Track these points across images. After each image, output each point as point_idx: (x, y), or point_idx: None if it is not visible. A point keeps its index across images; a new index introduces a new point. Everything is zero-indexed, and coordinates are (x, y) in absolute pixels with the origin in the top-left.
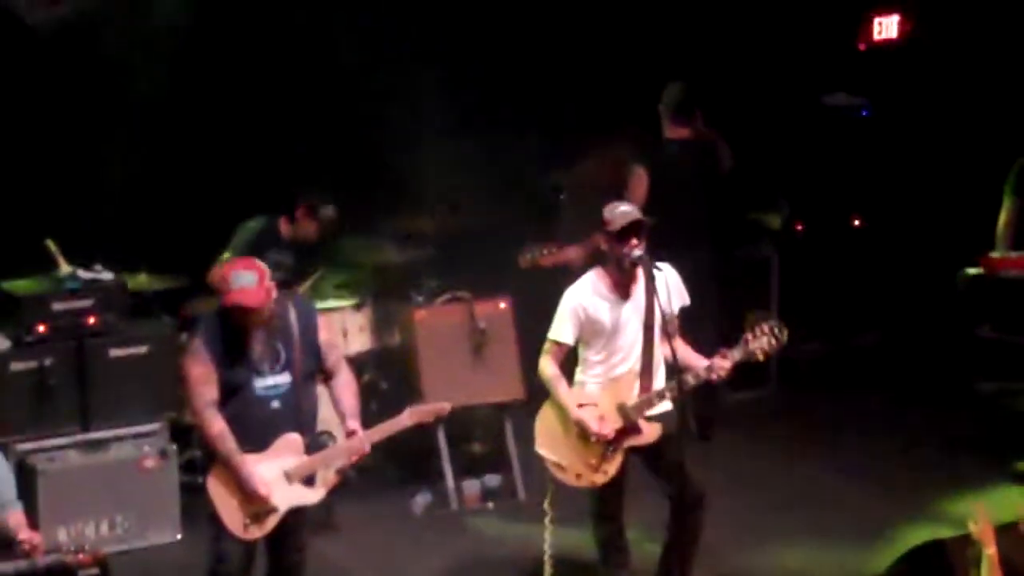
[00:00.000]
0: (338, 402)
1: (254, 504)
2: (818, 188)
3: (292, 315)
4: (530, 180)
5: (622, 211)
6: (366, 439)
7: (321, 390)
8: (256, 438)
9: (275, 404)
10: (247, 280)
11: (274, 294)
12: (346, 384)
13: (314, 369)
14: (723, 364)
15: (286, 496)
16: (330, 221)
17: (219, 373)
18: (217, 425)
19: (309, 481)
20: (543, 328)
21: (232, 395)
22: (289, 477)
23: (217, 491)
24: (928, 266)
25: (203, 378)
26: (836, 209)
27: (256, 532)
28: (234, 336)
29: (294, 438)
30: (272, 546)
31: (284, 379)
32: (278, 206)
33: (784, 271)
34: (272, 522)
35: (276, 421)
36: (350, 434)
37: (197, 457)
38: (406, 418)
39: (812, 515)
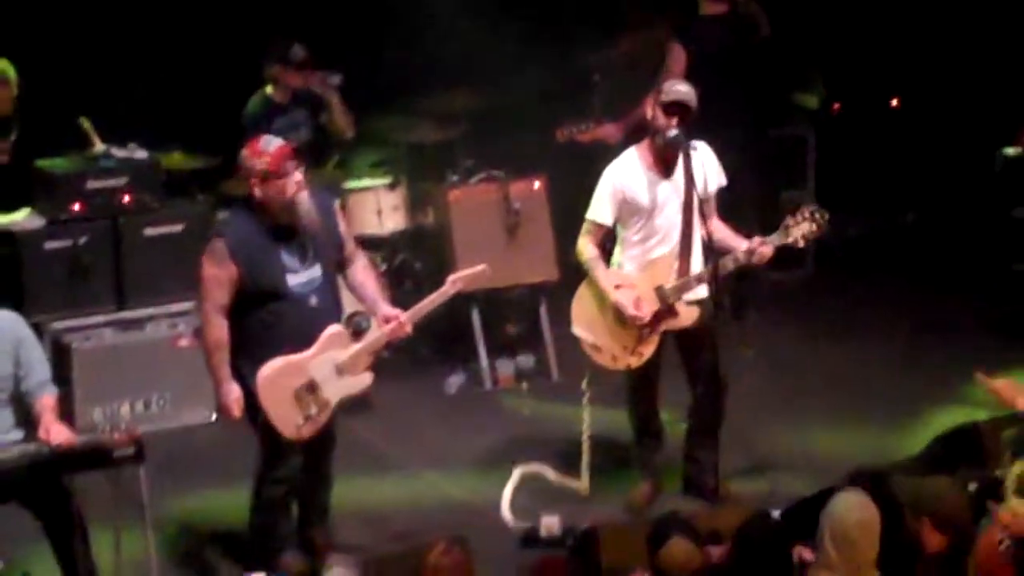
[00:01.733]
0: (361, 287)
1: (308, 403)
2: (856, 67)
3: (312, 207)
4: (565, 58)
5: (677, 88)
6: (408, 319)
7: None
8: (300, 337)
9: (313, 300)
10: (274, 141)
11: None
12: (366, 268)
13: (337, 259)
14: (763, 250)
15: (338, 389)
16: (304, 60)
17: (249, 276)
18: (218, 332)
19: (357, 372)
20: (577, 208)
21: (270, 298)
22: (340, 370)
23: (268, 394)
24: (966, 146)
25: (219, 280)
26: (874, 89)
27: (310, 431)
28: (261, 236)
29: (339, 330)
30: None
31: (316, 272)
32: (256, 80)
33: (821, 151)
34: (324, 417)
35: (317, 317)
36: (387, 319)
37: None
38: (448, 287)
39: (845, 397)
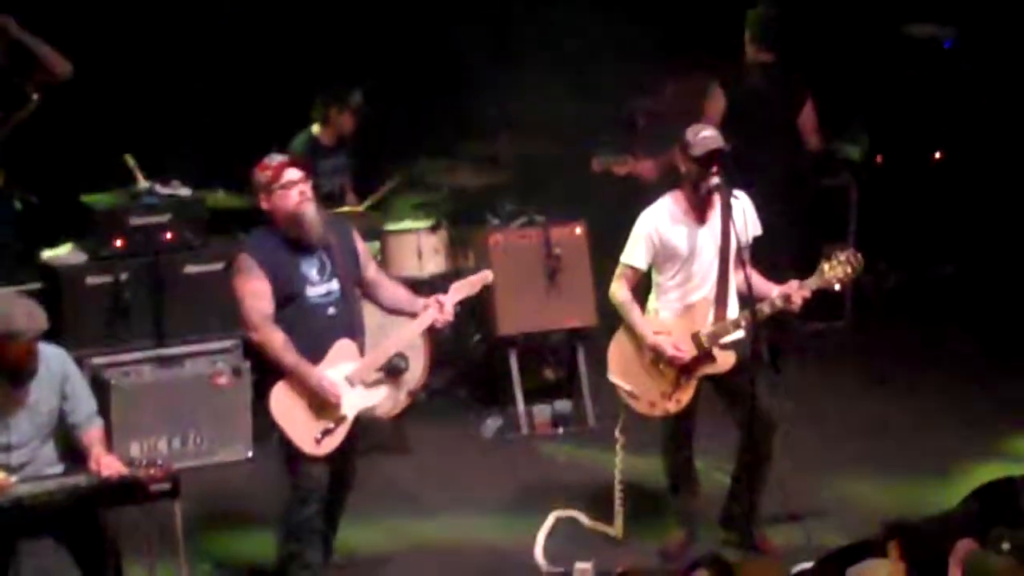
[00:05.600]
0: (394, 295)
1: (324, 416)
2: (900, 120)
3: (320, 221)
4: (608, 105)
5: (705, 136)
6: (448, 299)
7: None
8: (315, 348)
9: (331, 311)
10: (277, 156)
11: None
12: (395, 284)
13: (357, 278)
14: (799, 293)
15: (352, 401)
16: (360, 106)
17: (275, 285)
18: (279, 336)
19: (369, 384)
20: (617, 254)
21: (289, 307)
22: (351, 381)
23: (283, 411)
24: (1007, 199)
25: (258, 292)
26: (918, 142)
27: (329, 445)
28: (281, 248)
29: (347, 343)
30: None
31: (334, 286)
32: (308, 117)
33: (863, 203)
34: (343, 431)
35: (333, 329)
36: (427, 305)
37: None
38: (452, 294)
39: (883, 448)
